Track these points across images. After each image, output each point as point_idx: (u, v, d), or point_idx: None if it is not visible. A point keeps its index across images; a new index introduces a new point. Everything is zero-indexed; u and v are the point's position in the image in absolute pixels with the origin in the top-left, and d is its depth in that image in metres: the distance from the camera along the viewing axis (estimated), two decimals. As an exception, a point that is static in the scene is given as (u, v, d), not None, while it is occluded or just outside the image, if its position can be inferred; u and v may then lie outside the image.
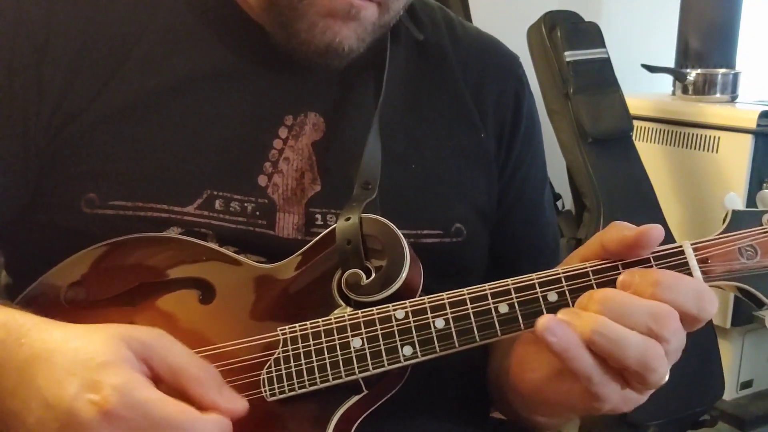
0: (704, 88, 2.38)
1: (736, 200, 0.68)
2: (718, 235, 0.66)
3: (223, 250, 0.72)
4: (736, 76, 2.39)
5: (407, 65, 0.85)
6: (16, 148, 0.74)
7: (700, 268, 0.64)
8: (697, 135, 2.27)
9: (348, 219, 0.69)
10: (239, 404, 0.60)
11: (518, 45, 1.97)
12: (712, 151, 2.22)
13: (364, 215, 0.70)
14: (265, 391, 0.66)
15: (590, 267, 0.64)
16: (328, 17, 0.73)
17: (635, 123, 2.25)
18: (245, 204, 0.75)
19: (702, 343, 2.07)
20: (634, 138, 2.24)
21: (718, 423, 2.18)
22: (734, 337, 2.27)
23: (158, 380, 0.57)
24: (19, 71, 0.74)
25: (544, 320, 0.59)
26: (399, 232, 0.68)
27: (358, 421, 0.68)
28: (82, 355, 0.56)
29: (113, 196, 0.73)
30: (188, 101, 0.76)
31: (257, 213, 0.75)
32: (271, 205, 0.75)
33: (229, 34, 0.79)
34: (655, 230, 0.62)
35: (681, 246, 0.64)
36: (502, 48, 0.93)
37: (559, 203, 2.22)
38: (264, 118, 0.78)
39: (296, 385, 0.66)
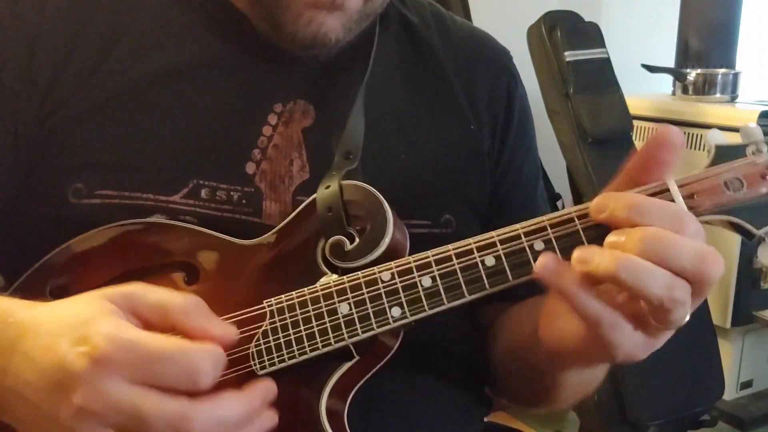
0: (704, 88, 2.38)
1: (719, 136, 0.66)
2: (703, 170, 0.64)
3: (202, 229, 0.72)
4: (736, 76, 2.39)
5: (397, 56, 0.85)
6: (6, 140, 0.74)
7: (686, 203, 0.62)
8: (697, 135, 2.27)
9: (328, 187, 0.69)
10: (230, 331, 0.59)
11: (518, 45, 1.98)
12: (712, 151, 2.22)
13: (344, 182, 0.69)
14: (255, 365, 0.65)
15: (575, 212, 0.63)
16: (312, 8, 0.73)
17: (635, 123, 2.25)
18: (231, 193, 0.74)
19: (702, 343, 2.07)
20: (634, 138, 2.24)
21: (718, 423, 2.18)
22: (734, 337, 2.27)
23: (148, 326, 0.57)
24: (10, 62, 0.74)
25: (543, 259, 0.59)
26: (380, 196, 0.68)
27: (354, 391, 0.67)
28: (67, 318, 0.55)
29: (100, 186, 0.72)
30: (175, 91, 0.76)
31: (243, 201, 0.75)
32: (258, 194, 0.75)
33: (216, 24, 0.79)
34: (671, 128, 0.60)
35: (665, 183, 0.62)
36: (493, 42, 0.93)
37: (559, 203, 2.22)
38: (253, 106, 0.77)
39: (286, 356, 0.65)
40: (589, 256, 0.58)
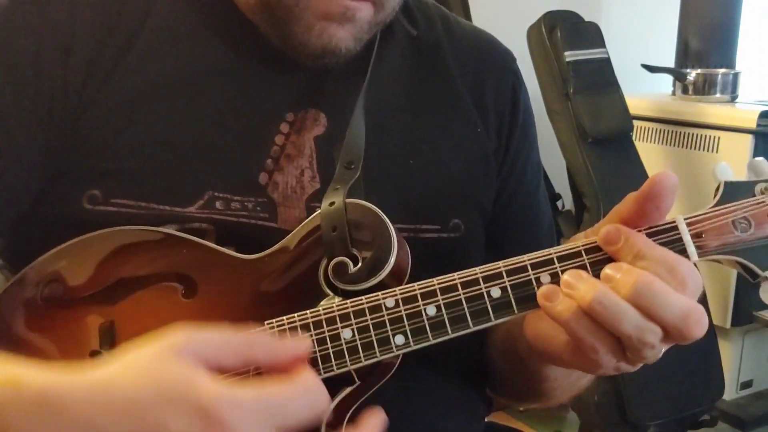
0: (704, 88, 2.38)
1: (728, 171, 0.66)
2: (711, 208, 0.65)
3: (204, 242, 0.71)
4: (736, 76, 2.39)
5: (402, 61, 0.85)
6: (38, 147, 0.73)
7: (694, 243, 0.63)
8: (697, 135, 2.27)
9: (332, 204, 0.68)
10: (307, 343, 0.57)
11: (518, 45, 1.98)
12: (712, 151, 2.22)
13: (348, 200, 0.68)
14: None
15: (583, 246, 0.63)
16: (323, 20, 0.73)
17: (635, 123, 2.25)
18: (246, 203, 0.74)
19: (702, 343, 2.06)
20: (634, 138, 2.24)
21: (718, 423, 2.18)
22: (734, 337, 2.27)
23: (226, 370, 0.53)
24: (47, 70, 0.73)
25: (546, 290, 0.61)
26: (385, 217, 0.67)
27: (351, 410, 0.67)
28: (142, 381, 0.49)
29: (117, 195, 0.72)
30: (188, 99, 0.75)
31: (258, 209, 0.74)
32: (271, 203, 0.75)
33: (228, 32, 0.79)
34: (666, 175, 0.61)
35: (674, 221, 0.63)
36: (498, 43, 0.94)
37: (559, 203, 2.22)
38: (265, 115, 0.77)
39: None
40: (575, 282, 0.60)
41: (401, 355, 0.66)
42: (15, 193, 0.74)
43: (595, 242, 0.63)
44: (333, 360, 0.64)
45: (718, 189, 0.66)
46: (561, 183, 2.21)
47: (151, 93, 0.74)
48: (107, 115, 0.73)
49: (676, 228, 0.63)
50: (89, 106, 0.73)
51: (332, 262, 0.67)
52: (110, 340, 0.68)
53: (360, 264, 0.66)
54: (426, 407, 0.80)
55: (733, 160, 2.16)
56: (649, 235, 0.63)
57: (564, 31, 2.15)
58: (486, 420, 0.91)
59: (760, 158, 0.67)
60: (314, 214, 0.69)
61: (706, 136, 2.24)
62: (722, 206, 0.64)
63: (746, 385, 2.33)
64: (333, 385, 0.64)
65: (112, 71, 0.74)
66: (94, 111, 0.73)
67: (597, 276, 0.62)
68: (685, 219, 0.63)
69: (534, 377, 0.80)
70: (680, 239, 0.63)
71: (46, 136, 0.73)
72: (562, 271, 0.62)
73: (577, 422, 2.18)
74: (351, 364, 0.64)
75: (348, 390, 0.65)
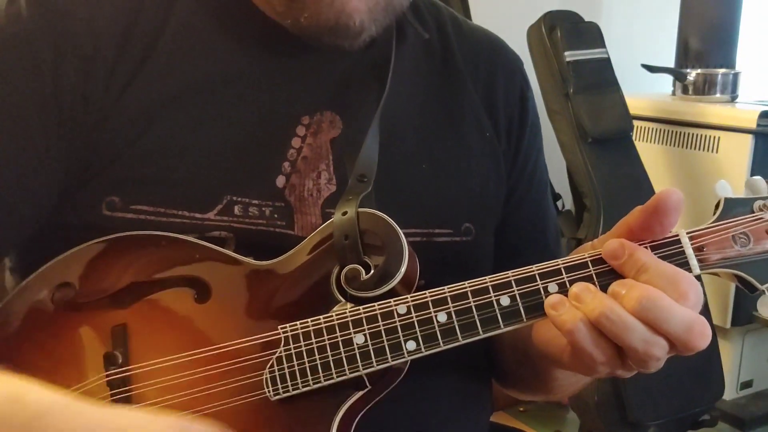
0: (704, 88, 2.38)
1: (727, 187, 0.69)
2: (712, 223, 0.67)
3: (217, 247, 0.71)
4: (736, 76, 2.39)
5: (415, 65, 0.85)
6: (60, 161, 0.73)
7: (695, 256, 0.65)
8: (697, 135, 2.27)
9: (345, 213, 0.69)
10: None
11: (518, 45, 1.97)
12: (712, 151, 2.23)
13: (360, 209, 0.69)
14: (269, 391, 0.66)
15: (589, 257, 0.65)
16: None
17: (635, 123, 2.25)
18: (263, 208, 0.74)
19: (702, 343, 2.06)
20: (634, 138, 2.24)
21: (718, 423, 2.18)
22: (734, 337, 2.27)
23: None
24: (65, 82, 0.72)
25: (553, 299, 0.63)
26: (397, 227, 0.68)
27: (360, 415, 0.68)
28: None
29: (136, 201, 0.72)
30: (206, 104, 0.75)
31: (275, 215, 0.74)
32: (288, 208, 0.75)
33: (244, 36, 0.78)
34: (671, 192, 0.63)
35: (677, 235, 0.66)
36: (506, 46, 0.94)
37: (559, 203, 2.22)
38: (281, 118, 0.77)
39: (300, 384, 0.65)
40: (583, 296, 0.62)
41: (409, 362, 0.67)
42: (37, 197, 0.73)
43: (601, 254, 0.65)
44: (346, 364, 0.65)
45: (718, 205, 0.68)
46: (561, 183, 2.21)
47: (169, 100, 0.74)
48: (127, 123, 0.73)
49: (678, 242, 0.65)
50: (110, 115, 0.73)
51: (345, 270, 0.68)
52: (123, 342, 0.69)
53: (372, 271, 0.67)
54: (432, 407, 0.80)
55: (733, 160, 2.17)
56: (652, 249, 0.65)
57: (564, 31, 2.15)
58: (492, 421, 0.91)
59: (757, 177, 0.69)
60: (327, 223, 0.70)
61: (706, 136, 2.24)
62: (722, 221, 0.67)
63: (746, 385, 2.33)
64: (343, 389, 0.66)
65: (132, 80, 0.73)
66: (114, 119, 0.73)
67: (603, 286, 0.64)
68: (687, 233, 0.66)
69: (541, 374, 0.82)
70: (683, 252, 0.65)
71: (68, 144, 0.72)
72: (569, 281, 0.64)
73: (577, 422, 2.18)
74: (363, 369, 0.65)
75: (359, 394, 0.67)
